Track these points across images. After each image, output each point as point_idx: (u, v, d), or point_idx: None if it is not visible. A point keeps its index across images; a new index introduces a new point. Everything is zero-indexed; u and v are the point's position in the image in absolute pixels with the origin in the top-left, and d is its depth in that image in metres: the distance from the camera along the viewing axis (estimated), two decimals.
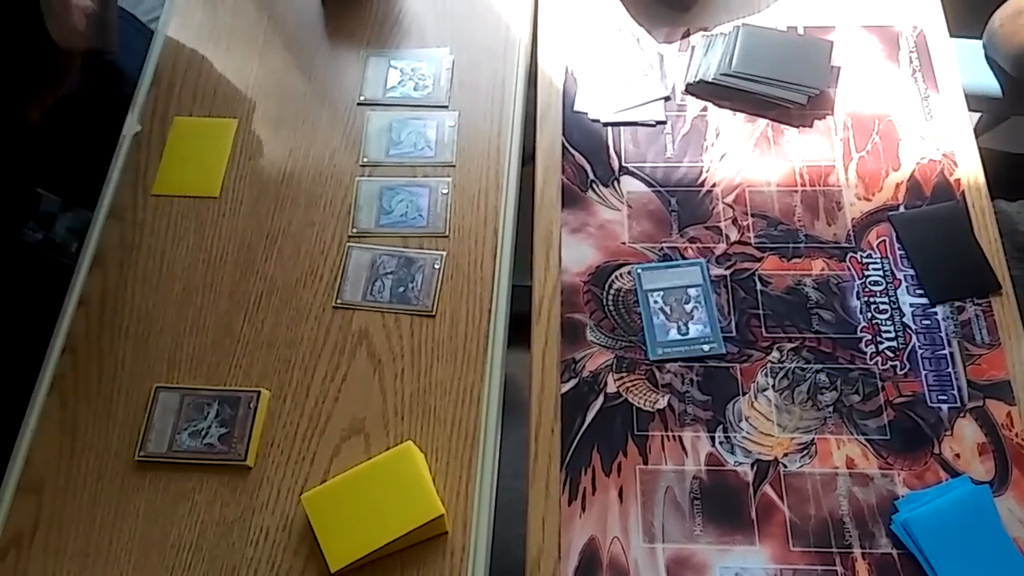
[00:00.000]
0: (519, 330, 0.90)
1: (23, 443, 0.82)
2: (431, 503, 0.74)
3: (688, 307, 0.88)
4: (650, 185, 0.96)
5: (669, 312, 0.88)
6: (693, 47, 1.05)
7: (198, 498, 0.79)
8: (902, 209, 0.93)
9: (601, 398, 0.84)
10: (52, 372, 0.86)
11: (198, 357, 0.86)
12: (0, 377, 0.92)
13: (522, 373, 0.87)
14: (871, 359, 0.85)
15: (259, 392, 0.83)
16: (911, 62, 1.03)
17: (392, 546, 0.74)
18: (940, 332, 0.86)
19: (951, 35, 1.06)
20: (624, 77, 1.03)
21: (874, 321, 0.87)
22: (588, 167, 0.97)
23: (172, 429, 0.82)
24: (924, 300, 0.88)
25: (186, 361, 0.86)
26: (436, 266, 0.89)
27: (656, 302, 0.88)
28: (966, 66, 1.20)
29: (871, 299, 0.88)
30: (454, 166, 0.96)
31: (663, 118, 1.00)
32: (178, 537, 0.78)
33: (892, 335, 0.86)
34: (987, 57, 1.24)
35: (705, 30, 1.06)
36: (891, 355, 0.85)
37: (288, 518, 0.78)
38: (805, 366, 0.85)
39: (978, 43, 1.28)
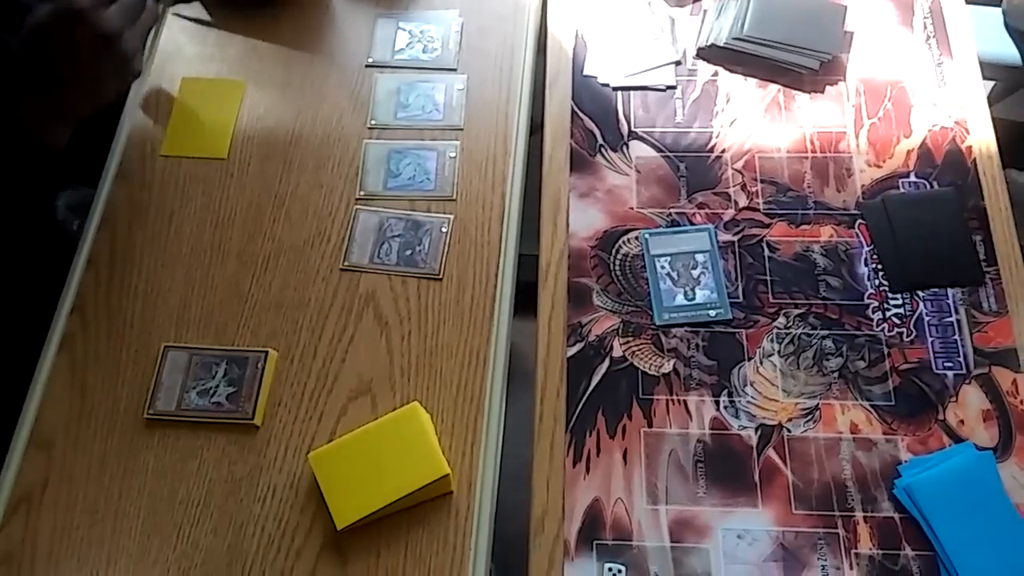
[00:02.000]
0: (525, 300, 0.90)
1: (33, 401, 0.83)
2: (437, 463, 0.75)
3: (695, 273, 0.88)
4: (659, 150, 0.95)
5: (676, 277, 0.88)
6: (705, 11, 1.04)
7: (206, 456, 0.80)
8: (913, 177, 0.92)
9: (607, 362, 0.84)
10: (61, 331, 0.86)
11: (206, 317, 0.86)
12: (9, 336, 0.93)
13: (528, 342, 0.88)
14: (877, 326, 0.85)
15: (267, 352, 0.83)
16: (925, 28, 1.02)
17: (397, 504, 0.74)
18: (947, 299, 0.85)
19: (968, 2, 1.05)
20: (634, 41, 1.02)
21: (881, 288, 0.86)
22: (597, 131, 0.97)
23: (181, 388, 0.82)
24: None
25: (194, 321, 0.86)
26: (443, 229, 0.89)
27: (663, 267, 0.88)
28: (983, 34, 1.18)
29: (879, 266, 0.87)
30: (462, 129, 0.96)
31: (673, 83, 0.99)
32: (187, 493, 0.79)
33: (899, 302, 0.86)
34: (1007, 25, 1.22)
35: None
36: (898, 322, 0.85)
37: (295, 476, 0.79)
38: (811, 332, 0.85)
39: (996, 11, 1.27)
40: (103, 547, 0.77)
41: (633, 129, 0.97)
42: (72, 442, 0.81)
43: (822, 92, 0.98)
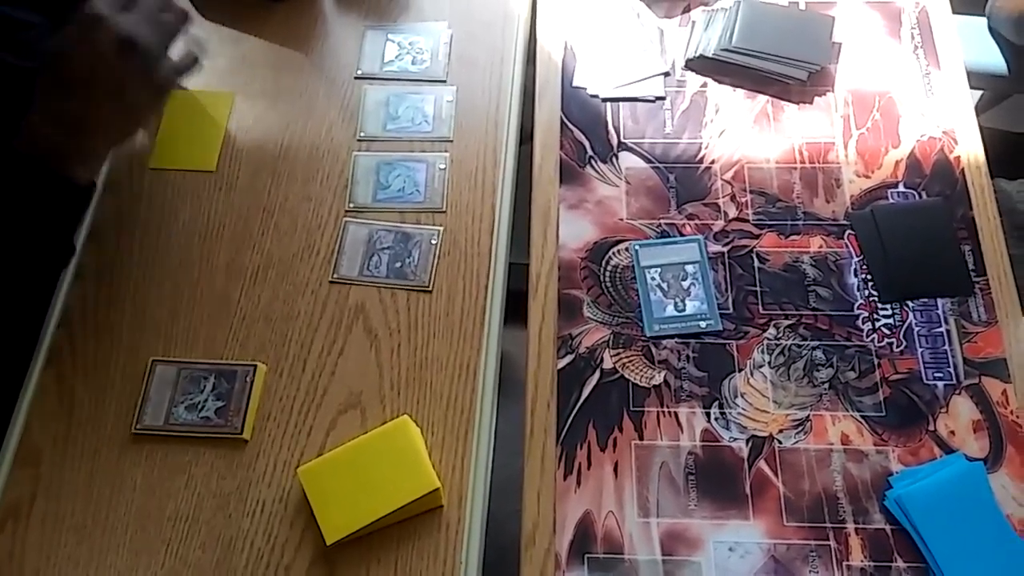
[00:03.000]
0: (516, 308, 0.90)
1: (20, 415, 0.82)
2: (427, 477, 0.75)
3: (685, 284, 0.88)
4: (649, 161, 0.95)
5: (666, 289, 0.88)
6: (694, 22, 1.04)
7: (195, 471, 0.80)
8: (902, 187, 0.92)
9: (597, 374, 0.84)
10: (48, 345, 0.85)
11: (195, 331, 0.86)
12: None
13: (518, 351, 0.87)
14: (868, 336, 0.85)
15: (256, 366, 0.83)
16: (913, 38, 1.02)
17: (387, 519, 0.74)
18: (937, 310, 0.86)
19: (954, 12, 1.05)
20: (624, 52, 1.02)
21: (871, 298, 0.86)
22: (586, 143, 0.97)
23: (169, 402, 0.82)
24: None
25: (182, 335, 0.86)
26: (433, 241, 0.89)
27: (653, 279, 0.88)
28: (969, 43, 1.19)
29: (868, 276, 0.88)
30: (452, 141, 0.96)
31: (662, 94, 0.99)
32: (175, 509, 0.78)
33: (889, 312, 0.86)
34: (991, 30, 1.23)
35: (706, 5, 1.05)
36: (888, 332, 0.85)
37: (284, 491, 0.78)
38: (802, 343, 0.85)
39: (982, 20, 1.28)
40: (91, 564, 0.76)
41: (622, 140, 0.97)
42: (59, 458, 0.81)
43: (810, 103, 0.98)
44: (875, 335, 0.85)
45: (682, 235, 0.91)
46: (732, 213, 0.92)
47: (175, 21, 0.79)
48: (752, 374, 0.83)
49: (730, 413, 0.82)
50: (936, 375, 0.83)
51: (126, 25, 0.73)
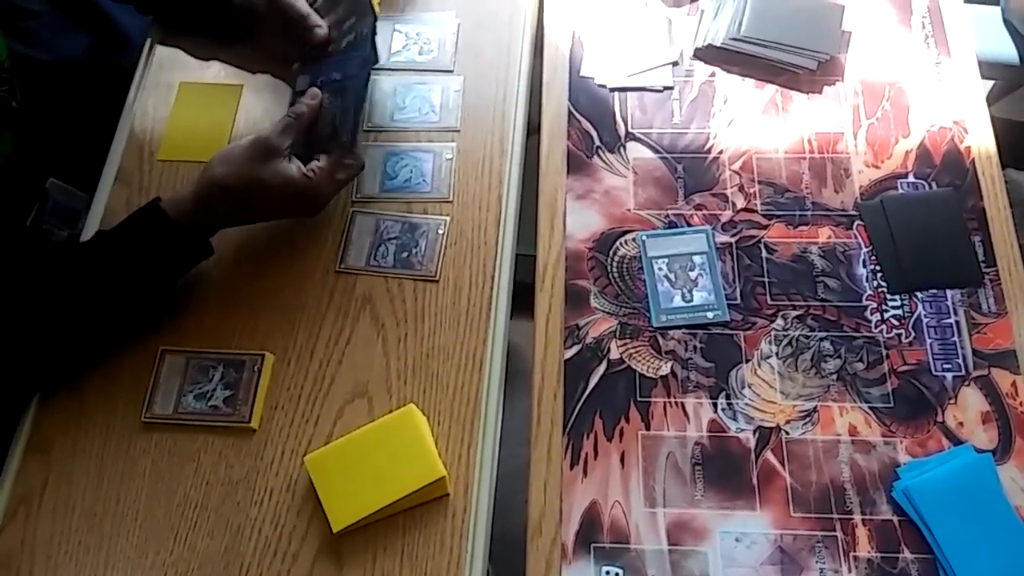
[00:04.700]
0: (523, 299, 0.90)
1: (32, 405, 0.83)
2: (433, 465, 0.75)
3: (693, 274, 0.88)
4: (656, 151, 0.95)
5: (673, 279, 0.88)
6: (702, 11, 1.04)
7: (203, 459, 0.80)
8: (911, 177, 0.92)
9: (604, 364, 0.84)
10: None
11: (203, 320, 0.86)
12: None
13: (526, 342, 0.87)
14: (876, 327, 0.84)
15: (263, 355, 0.83)
16: (923, 27, 1.01)
17: (394, 507, 0.74)
18: (946, 300, 0.85)
19: (966, 1, 1.04)
20: (632, 41, 1.02)
21: (880, 289, 0.86)
22: (594, 133, 0.97)
23: (178, 391, 0.82)
24: None
25: (191, 324, 0.86)
26: (440, 231, 0.89)
27: (661, 269, 0.88)
28: (982, 33, 1.18)
29: (877, 267, 0.87)
30: (459, 131, 0.96)
31: (670, 83, 0.99)
32: (184, 497, 0.79)
33: (898, 303, 0.85)
34: (1005, 22, 1.22)
35: None
36: (896, 323, 0.84)
37: (292, 479, 0.79)
38: (809, 334, 0.84)
39: (995, 10, 1.27)
40: (101, 551, 0.77)
41: (630, 130, 0.96)
42: (70, 446, 0.81)
43: (820, 92, 0.98)
44: (883, 326, 0.84)
45: (690, 225, 0.90)
46: (740, 203, 0.91)
47: (355, 170, 0.86)
48: (759, 365, 0.83)
49: (737, 404, 0.82)
50: (945, 366, 0.82)
51: (332, 195, 0.85)
